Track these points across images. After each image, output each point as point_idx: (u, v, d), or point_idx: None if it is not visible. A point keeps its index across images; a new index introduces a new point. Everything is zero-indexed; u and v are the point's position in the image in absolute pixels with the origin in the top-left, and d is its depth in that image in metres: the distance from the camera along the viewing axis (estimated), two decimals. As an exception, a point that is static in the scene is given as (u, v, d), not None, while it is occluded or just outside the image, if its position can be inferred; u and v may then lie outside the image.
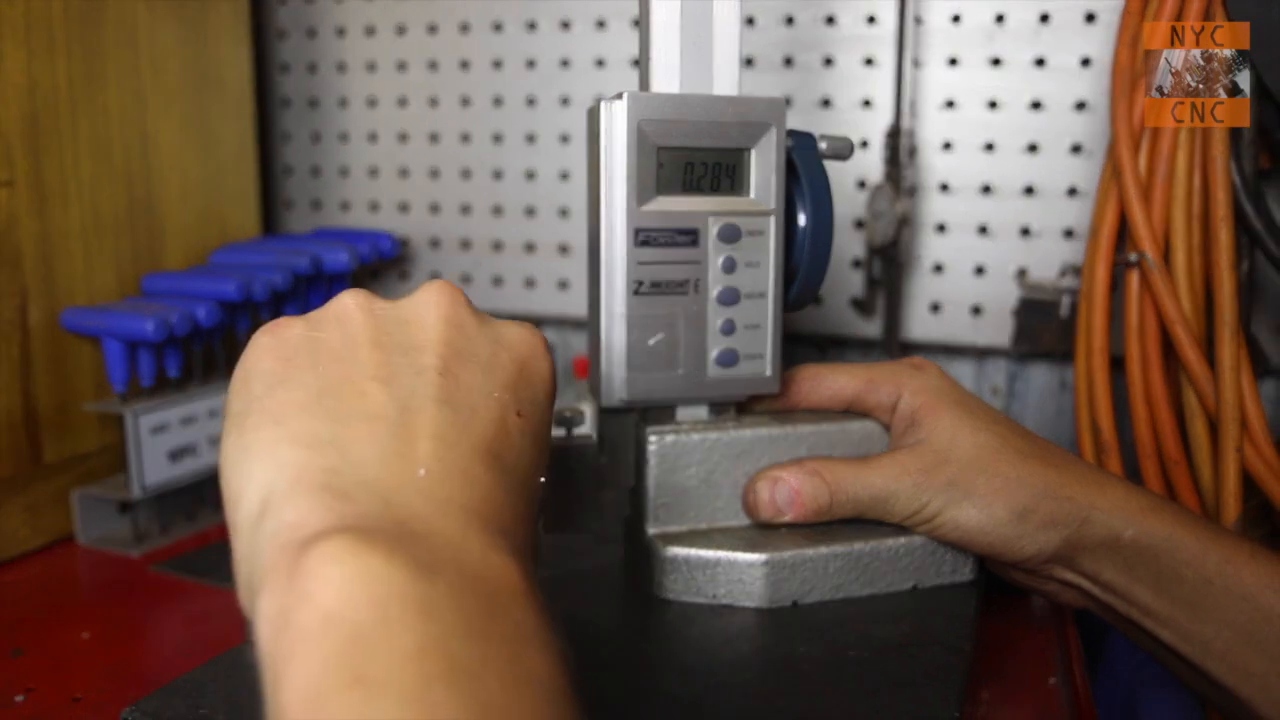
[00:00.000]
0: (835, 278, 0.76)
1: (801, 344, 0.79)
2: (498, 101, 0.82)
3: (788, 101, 0.74)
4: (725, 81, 0.43)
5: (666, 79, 0.43)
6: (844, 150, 0.46)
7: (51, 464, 0.62)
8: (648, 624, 0.42)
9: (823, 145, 0.45)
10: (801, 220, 0.45)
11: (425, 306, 0.30)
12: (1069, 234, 0.70)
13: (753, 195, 0.43)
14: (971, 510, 0.42)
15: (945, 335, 0.74)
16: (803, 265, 0.45)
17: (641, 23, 0.43)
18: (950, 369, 0.77)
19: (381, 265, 0.88)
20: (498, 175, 0.84)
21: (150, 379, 0.64)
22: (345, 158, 0.88)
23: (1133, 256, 0.60)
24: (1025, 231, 0.71)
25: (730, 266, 0.43)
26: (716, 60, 0.43)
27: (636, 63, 0.79)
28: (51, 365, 0.62)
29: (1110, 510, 0.41)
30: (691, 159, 0.42)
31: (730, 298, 0.44)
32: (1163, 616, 0.40)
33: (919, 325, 0.74)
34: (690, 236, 0.42)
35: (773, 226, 0.44)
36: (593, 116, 0.43)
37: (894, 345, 0.71)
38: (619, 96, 0.41)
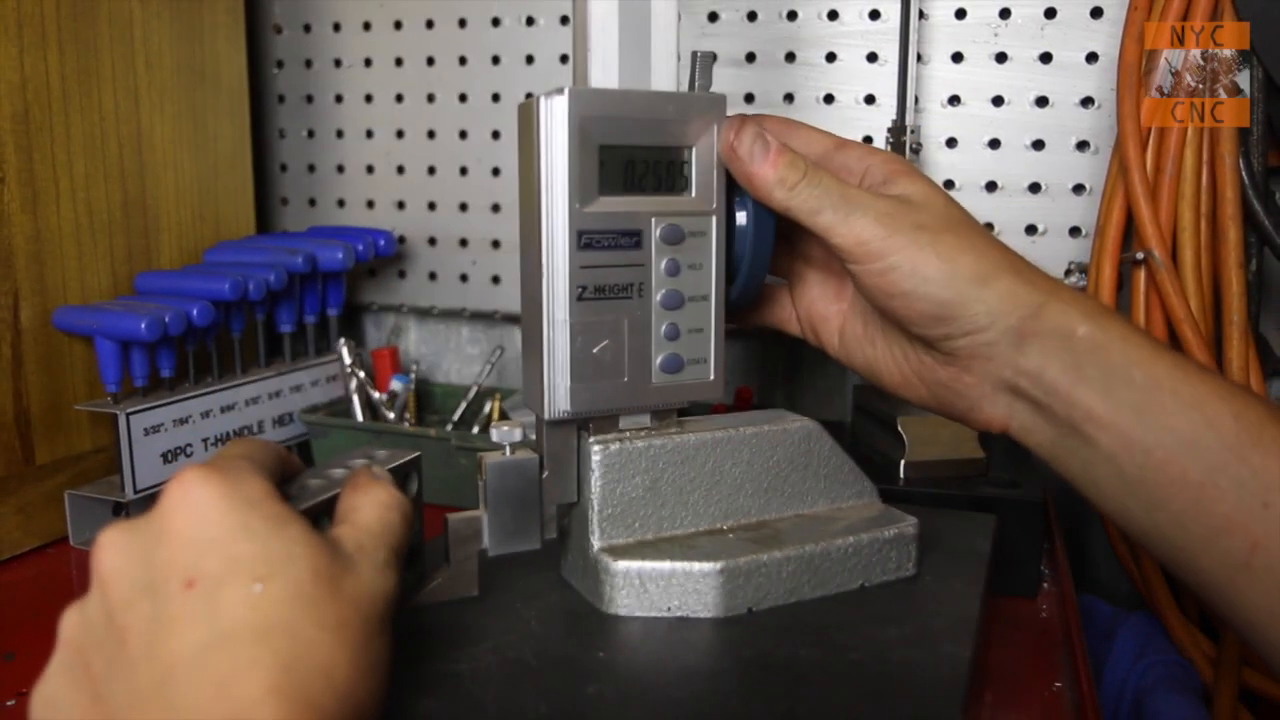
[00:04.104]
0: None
1: (804, 344, 0.78)
2: (496, 97, 0.82)
3: (790, 98, 0.74)
4: (663, 77, 0.43)
5: (604, 75, 0.42)
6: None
7: (44, 465, 0.62)
8: (618, 638, 0.41)
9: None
10: (741, 219, 0.44)
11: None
12: (1075, 232, 0.69)
13: (694, 194, 0.43)
14: (934, 259, 0.39)
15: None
16: (744, 266, 0.44)
17: (576, 16, 0.42)
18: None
19: (379, 263, 0.87)
20: (496, 172, 0.83)
21: (143, 379, 0.63)
22: (341, 154, 0.88)
23: (1140, 255, 0.60)
24: (1031, 229, 0.70)
25: (673, 269, 0.42)
26: (655, 55, 0.42)
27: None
28: (43, 365, 0.61)
29: (1068, 302, 0.39)
30: (633, 157, 0.41)
31: (674, 301, 0.43)
32: (1105, 421, 0.38)
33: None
34: (633, 238, 0.41)
35: (714, 226, 0.43)
36: (526, 113, 0.41)
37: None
38: (559, 92, 0.40)
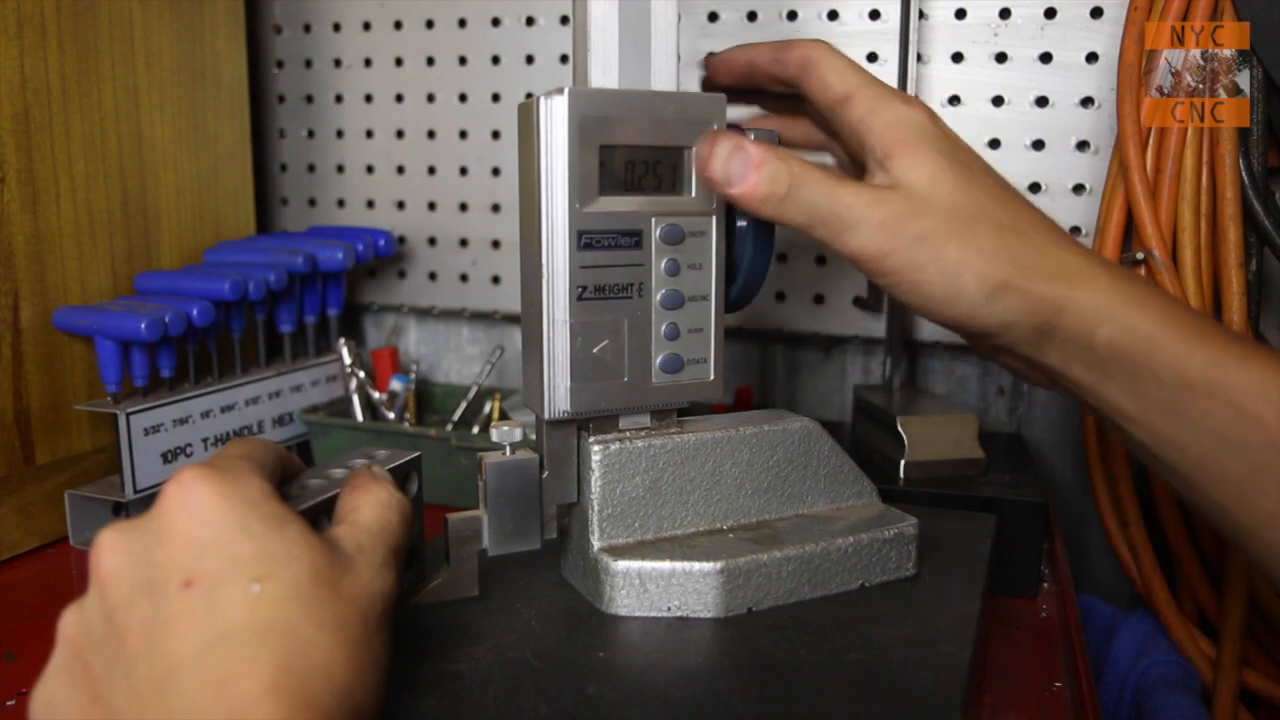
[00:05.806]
0: (839, 276, 0.75)
1: (804, 344, 0.78)
2: (496, 97, 0.82)
3: (789, 98, 0.74)
4: (663, 78, 0.43)
5: (604, 75, 0.42)
6: (773, 143, 0.45)
7: (44, 465, 0.62)
8: (618, 637, 0.41)
9: (751, 138, 0.44)
10: (741, 220, 0.44)
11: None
12: (1075, 232, 0.69)
13: (694, 194, 0.43)
14: (937, 278, 0.38)
15: (952, 334, 0.73)
16: (744, 265, 0.44)
17: (576, 16, 0.42)
18: (955, 368, 0.76)
19: (379, 263, 0.87)
20: (496, 172, 0.83)
21: (143, 379, 0.63)
22: (341, 154, 0.88)
23: (1140, 255, 0.60)
24: (1030, 229, 0.70)
25: (673, 269, 0.43)
26: (655, 56, 0.42)
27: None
28: (43, 365, 0.61)
29: (1088, 303, 0.37)
30: (633, 157, 0.41)
31: (674, 301, 0.43)
32: (1135, 418, 0.37)
33: (925, 323, 0.73)
34: (633, 238, 0.42)
35: (714, 227, 0.43)
36: (526, 113, 0.41)
37: (899, 344, 0.70)
38: (559, 92, 0.40)
